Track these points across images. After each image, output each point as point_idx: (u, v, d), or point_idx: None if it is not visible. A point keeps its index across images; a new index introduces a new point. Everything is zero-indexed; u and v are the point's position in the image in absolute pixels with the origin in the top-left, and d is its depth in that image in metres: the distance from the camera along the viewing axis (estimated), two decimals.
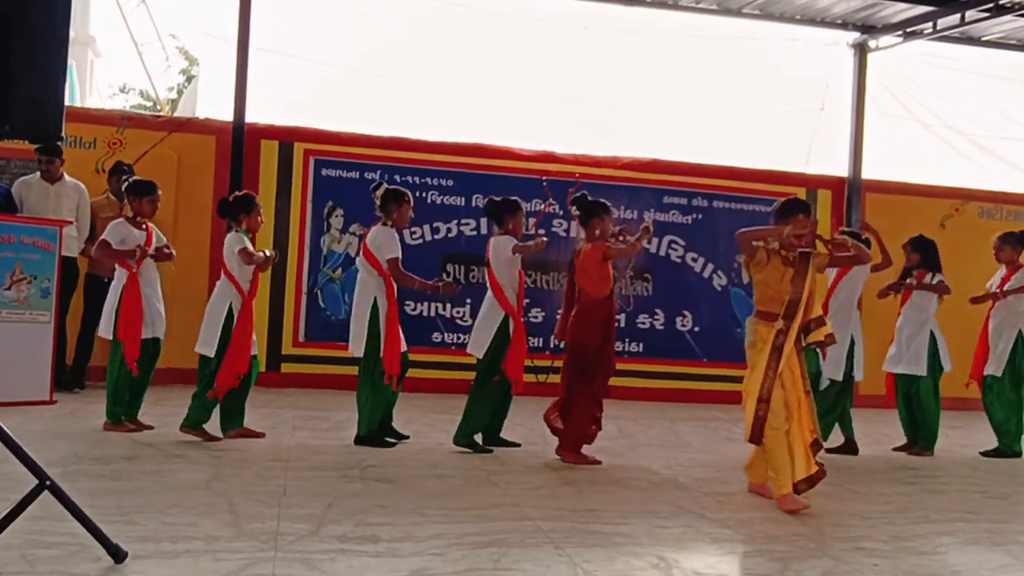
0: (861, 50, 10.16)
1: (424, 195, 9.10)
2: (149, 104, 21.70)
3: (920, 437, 6.76)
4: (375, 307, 5.71)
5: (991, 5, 8.86)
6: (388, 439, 5.76)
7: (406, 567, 3.15)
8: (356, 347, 5.75)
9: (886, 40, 10.05)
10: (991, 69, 10.50)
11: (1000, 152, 10.84)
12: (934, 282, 6.86)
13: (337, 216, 8.93)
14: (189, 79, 21.46)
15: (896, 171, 10.38)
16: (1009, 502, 5.10)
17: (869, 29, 9.97)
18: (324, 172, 8.94)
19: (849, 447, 6.57)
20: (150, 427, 5.84)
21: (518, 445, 5.90)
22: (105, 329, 5.86)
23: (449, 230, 9.09)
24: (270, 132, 8.87)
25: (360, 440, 5.66)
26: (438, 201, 9.11)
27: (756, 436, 4.52)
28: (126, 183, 6.06)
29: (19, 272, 6.54)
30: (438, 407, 7.33)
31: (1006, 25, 9.62)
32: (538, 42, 9.80)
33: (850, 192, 10.15)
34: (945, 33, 9.65)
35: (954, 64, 10.37)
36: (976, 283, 10.27)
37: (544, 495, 4.50)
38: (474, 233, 9.14)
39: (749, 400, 4.54)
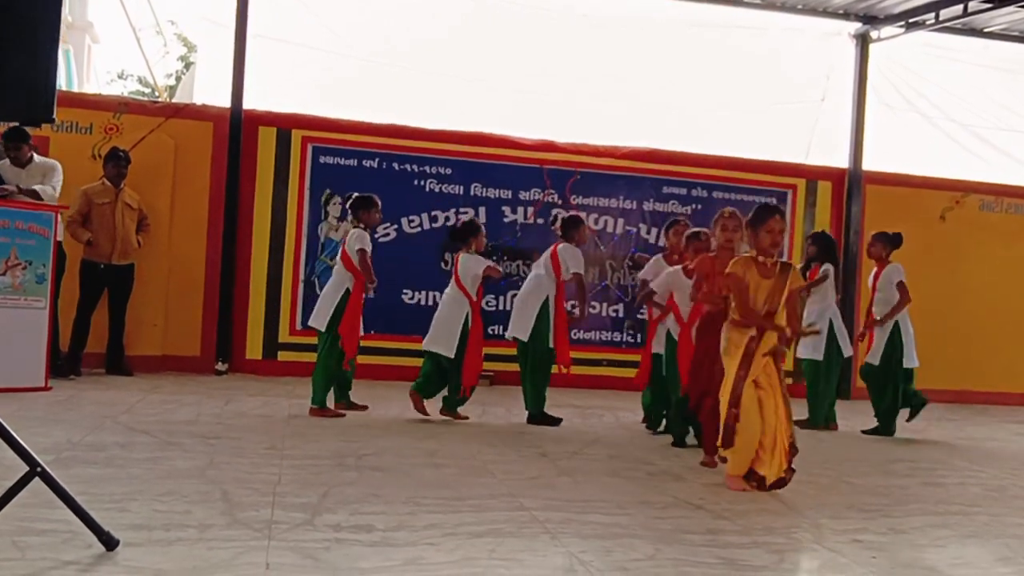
0: (863, 41, 10.11)
1: (422, 183, 9.07)
2: (147, 91, 21.62)
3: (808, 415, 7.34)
4: (545, 303, 6.62)
5: None
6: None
7: (400, 556, 3.12)
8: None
9: (888, 31, 10.00)
10: (993, 61, 10.45)
11: (1002, 144, 10.81)
12: (820, 274, 7.41)
13: (335, 204, 8.89)
14: (187, 65, 21.38)
15: (897, 163, 10.35)
16: (1007, 495, 5.08)
17: (871, 19, 9.92)
18: (322, 159, 8.89)
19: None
20: (365, 407, 6.63)
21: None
22: (320, 322, 6.40)
23: (447, 218, 9.04)
24: (268, 119, 8.82)
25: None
26: (436, 189, 9.07)
27: (727, 441, 4.61)
28: (351, 200, 6.63)
29: (14, 257, 6.50)
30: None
31: (1008, 16, 9.57)
32: (538, 32, 9.75)
33: (850, 184, 10.11)
34: (947, 24, 9.60)
35: (956, 55, 10.33)
36: (975, 276, 10.30)
37: (540, 485, 4.47)
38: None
39: (724, 407, 4.66)
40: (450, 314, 6.53)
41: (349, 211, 6.74)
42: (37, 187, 6.99)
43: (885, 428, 7.27)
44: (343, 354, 6.36)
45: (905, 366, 7.27)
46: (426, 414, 6.47)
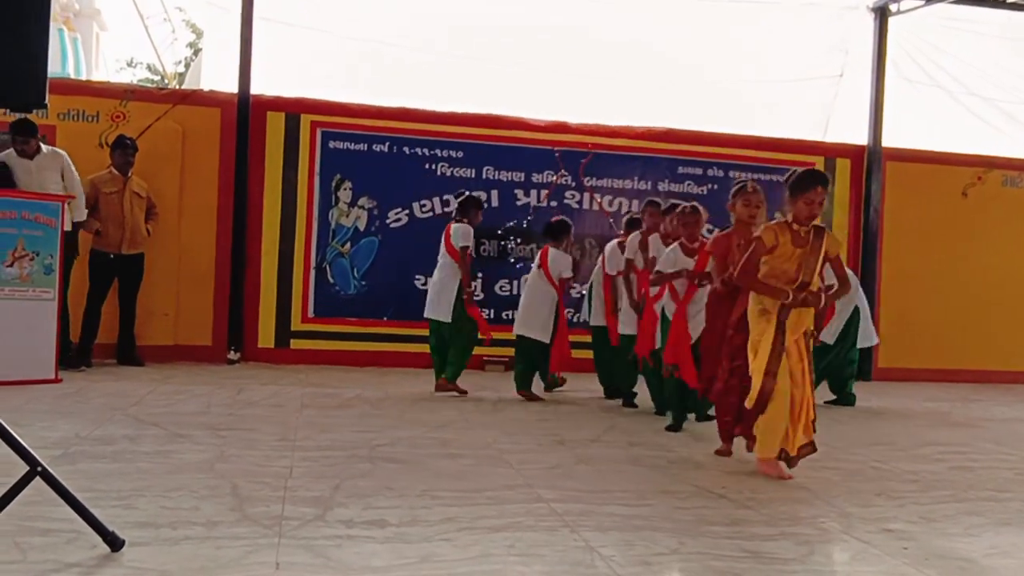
0: (882, 14, 9.89)
1: (434, 167, 8.94)
2: (156, 78, 21.54)
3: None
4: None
5: None
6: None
7: (415, 553, 3.01)
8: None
9: (907, 3, 9.78)
10: (1016, 33, 10.19)
11: None
12: None
13: (345, 189, 8.78)
14: (196, 52, 21.26)
15: (917, 139, 10.14)
16: None
17: None
18: (332, 144, 8.77)
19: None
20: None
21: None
22: (445, 314, 6.87)
23: None
24: (276, 104, 8.70)
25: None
26: (448, 173, 8.94)
27: (761, 406, 4.48)
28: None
29: (21, 249, 6.42)
30: None
31: None
32: (549, 10, 9.57)
33: (870, 161, 9.91)
34: None
35: (977, 28, 10.08)
36: (998, 253, 10.10)
37: (558, 475, 4.36)
38: (484, 205, 8.95)
39: (756, 375, 4.48)
40: (542, 303, 6.99)
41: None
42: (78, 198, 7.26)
43: (846, 399, 7.62)
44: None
45: (860, 346, 7.70)
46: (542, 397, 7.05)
